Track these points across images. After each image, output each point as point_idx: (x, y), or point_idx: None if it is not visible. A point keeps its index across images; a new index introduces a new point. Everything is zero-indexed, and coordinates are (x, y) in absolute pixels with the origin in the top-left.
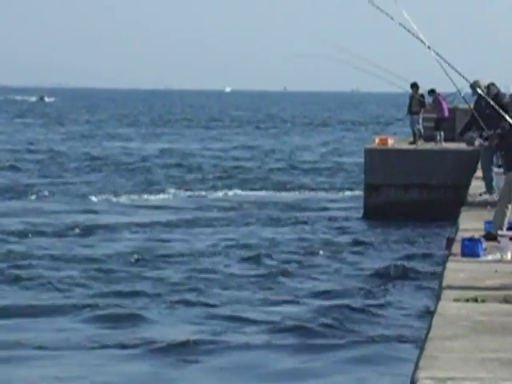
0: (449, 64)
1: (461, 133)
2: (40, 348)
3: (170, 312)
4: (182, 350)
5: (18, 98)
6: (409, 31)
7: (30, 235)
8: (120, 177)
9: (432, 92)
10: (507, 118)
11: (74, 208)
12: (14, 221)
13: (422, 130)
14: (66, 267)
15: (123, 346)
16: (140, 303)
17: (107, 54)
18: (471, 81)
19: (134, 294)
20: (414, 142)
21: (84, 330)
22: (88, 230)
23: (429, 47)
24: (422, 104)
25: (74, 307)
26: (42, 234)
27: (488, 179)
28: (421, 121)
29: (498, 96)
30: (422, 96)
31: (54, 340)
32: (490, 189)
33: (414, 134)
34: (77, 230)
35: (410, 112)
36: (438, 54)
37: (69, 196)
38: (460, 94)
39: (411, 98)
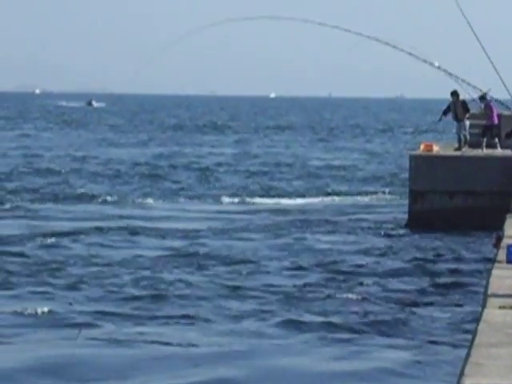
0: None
1: (508, 134)
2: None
3: (220, 315)
4: (237, 353)
5: (65, 103)
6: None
7: (81, 238)
8: (159, 182)
9: (483, 98)
10: None
11: (125, 212)
12: (66, 224)
13: (468, 137)
14: (114, 270)
15: (177, 348)
16: (189, 307)
17: (155, 60)
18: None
19: (183, 298)
20: (459, 149)
21: (137, 331)
22: (137, 234)
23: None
24: (467, 109)
25: (125, 311)
26: (93, 235)
27: None
28: (467, 127)
29: None
30: (464, 102)
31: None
32: None
33: (460, 141)
34: (125, 233)
35: (457, 119)
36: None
37: (121, 200)
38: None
39: (453, 105)
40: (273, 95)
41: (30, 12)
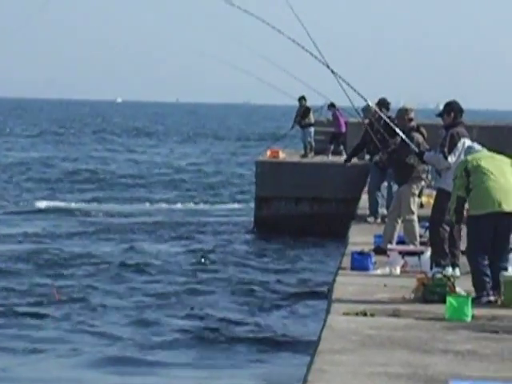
0: (346, 83)
1: (347, 160)
2: None
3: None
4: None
5: None
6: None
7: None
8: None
9: (332, 106)
10: (399, 132)
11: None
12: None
13: (313, 144)
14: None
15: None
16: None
17: None
18: (366, 97)
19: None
20: (305, 155)
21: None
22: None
23: (328, 67)
24: (305, 116)
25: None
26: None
27: (372, 202)
28: (312, 134)
29: (390, 118)
30: (307, 108)
31: None
32: (373, 212)
33: (305, 147)
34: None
35: (301, 125)
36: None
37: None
38: (354, 107)
39: (298, 111)
40: (119, 100)
41: None
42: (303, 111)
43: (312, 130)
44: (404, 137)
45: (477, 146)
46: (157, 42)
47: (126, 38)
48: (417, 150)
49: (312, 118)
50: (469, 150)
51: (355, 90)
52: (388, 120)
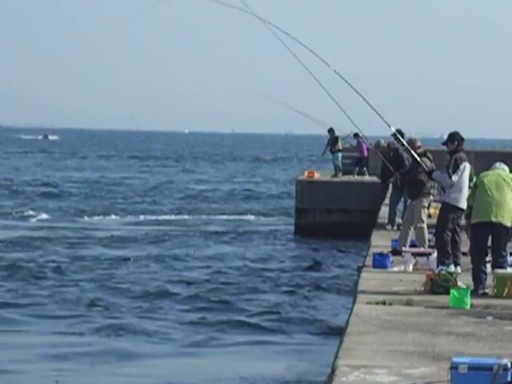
0: (378, 113)
1: (382, 180)
2: None
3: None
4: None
5: (25, 136)
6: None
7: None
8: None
9: (356, 135)
10: (414, 154)
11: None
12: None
13: (341, 166)
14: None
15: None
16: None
17: (88, 95)
18: (391, 125)
19: None
20: (335, 175)
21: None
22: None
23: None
24: (335, 144)
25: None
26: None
27: (391, 213)
28: (340, 158)
29: (398, 151)
30: (336, 138)
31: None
32: (391, 221)
33: (335, 169)
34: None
35: (331, 151)
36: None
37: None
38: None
39: (329, 140)
40: (187, 131)
41: None
42: (333, 140)
43: (340, 154)
44: (418, 158)
45: (501, 166)
46: (215, 83)
47: (193, 83)
48: (427, 169)
49: (340, 145)
50: (491, 167)
51: (383, 119)
52: (407, 146)
